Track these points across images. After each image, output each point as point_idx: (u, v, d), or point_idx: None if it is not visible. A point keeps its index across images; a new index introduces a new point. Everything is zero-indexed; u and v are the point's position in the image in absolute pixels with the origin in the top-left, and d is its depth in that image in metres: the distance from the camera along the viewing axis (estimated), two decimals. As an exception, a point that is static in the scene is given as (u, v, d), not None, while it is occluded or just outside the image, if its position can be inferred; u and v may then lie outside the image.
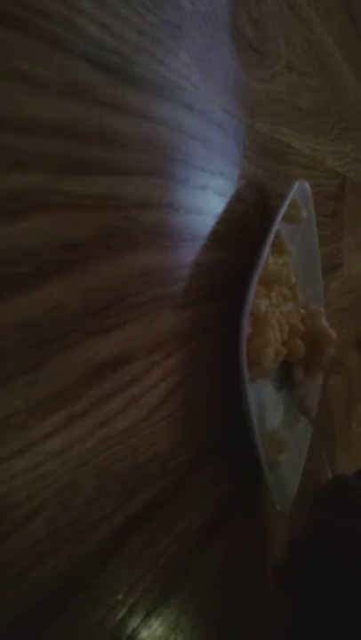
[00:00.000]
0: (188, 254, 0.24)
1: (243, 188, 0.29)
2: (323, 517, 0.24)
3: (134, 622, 0.20)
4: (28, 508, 0.16)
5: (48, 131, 0.16)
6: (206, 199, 0.26)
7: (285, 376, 0.35)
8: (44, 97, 0.16)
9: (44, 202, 0.16)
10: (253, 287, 0.25)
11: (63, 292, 0.17)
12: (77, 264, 0.18)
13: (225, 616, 0.26)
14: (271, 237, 0.27)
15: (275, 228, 0.28)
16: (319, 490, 0.27)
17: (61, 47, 0.17)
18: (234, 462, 0.28)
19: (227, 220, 0.28)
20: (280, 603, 0.30)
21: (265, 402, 0.31)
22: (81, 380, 0.18)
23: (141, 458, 0.21)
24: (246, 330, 0.25)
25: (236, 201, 0.29)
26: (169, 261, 0.23)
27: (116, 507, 0.19)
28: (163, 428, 0.22)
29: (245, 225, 0.30)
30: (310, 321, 0.34)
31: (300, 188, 0.33)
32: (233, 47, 0.28)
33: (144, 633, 0.21)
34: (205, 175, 0.26)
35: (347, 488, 0.26)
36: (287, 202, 0.30)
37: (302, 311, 0.35)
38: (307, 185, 0.34)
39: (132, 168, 0.20)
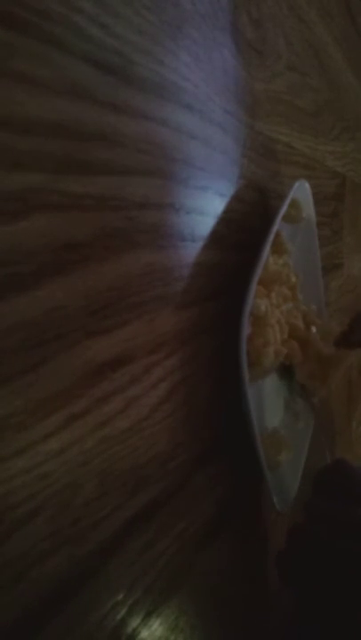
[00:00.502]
0: (189, 254, 0.24)
1: (243, 188, 0.29)
2: (320, 504, 0.24)
3: (134, 622, 0.20)
4: (28, 507, 0.16)
5: (48, 131, 0.16)
6: (206, 199, 0.26)
7: (286, 375, 0.35)
8: (44, 97, 0.16)
9: (44, 202, 0.16)
10: (253, 287, 0.25)
11: (63, 292, 0.17)
12: (77, 264, 0.18)
13: (225, 616, 0.26)
14: (271, 237, 0.27)
15: (275, 228, 0.28)
16: (319, 472, 0.27)
17: (61, 47, 0.17)
18: (234, 462, 0.28)
19: (227, 220, 0.28)
20: (280, 601, 0.30)
21: (265, 402, 0.31)
22: (81, 380, 0.18)
23: (141, 458, 0.21)
24: (246, 330, 0.25)
25: (237, 201, 0.29)
26: (169, 261, 0.23)
27: (116, 507, 0.19)
28: (163, 428, 0.22)
29: (245, 225, 0.30)
30: (312, 333, 0.34)
31: (300, 188, 0.33)
32: (233, 47, 0.28)
33: (144, 633, 0.21)
34: (205, 175, 0.26)
35: (346, 473, 0.25)
36: (287, 202, 0.30)
37: (303, 307, 0.35)
38: (307, 185, 0.34)
39: (132, 168, 0.20)
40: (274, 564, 0.25)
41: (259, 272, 0.26)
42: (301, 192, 0.33)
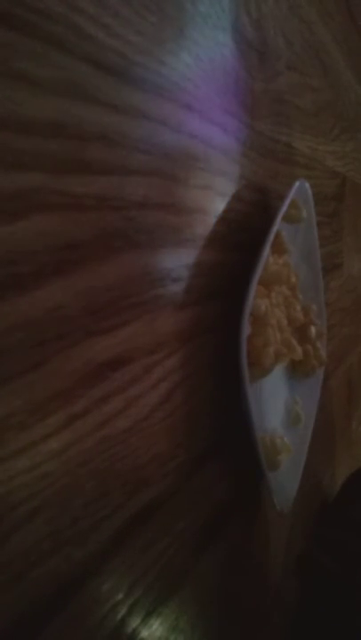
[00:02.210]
0: (189, 254, 0.24)
1: (243, 188, 0.29)
2: (330, 535, 0.24)
3: (134, 622, 0.20)
4: (27, 507, 0.16)
5: (48, 131, 0.16)
6: (206, 199, 0.26)
7: (286, 375, 0.35)
8: (44, 97, 0.16)
9: (43, 202, 0.16)
10: (253, 287, 0.25)
11: (63, 292, 0.17)
12: (77, 264, 0.18)
13: (225, 616, 0.26)
14: (271, 237, 0.27)
15: (275, 228, 0.28)
16: (351, 477, 0.26)
17: (61, 47, 0.17)
18: (234, 462, 0.28)
19: (227, 219, 0.28)
20: (280, 603, 0.30)
21: (265, 402, 0.31)
22: (81, 380, 0.18)
23: (141, 458, 0.21)
24: (246, 330, 0.25)
25: (237, 201, 0.29)
26: (169, 261, 0.23)
27: (116, 507, 0.19)
28: (163, 428, 0.22)
29: (245, 225, 0.30)
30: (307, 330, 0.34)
31: (300, 188, 0.33)
32: (233, 47, 0.28)
33: (144, 633, 0.21)
34: (206, 175, 0.26)
35: None
36: (287, 202, 0.30)
37: (298, 308, 0.35)
38: (307, 185, 0.34)
39: (132, 168, 0.20)
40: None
41: (259, 272, 0.26)
42: (301, 192, 0.33)
